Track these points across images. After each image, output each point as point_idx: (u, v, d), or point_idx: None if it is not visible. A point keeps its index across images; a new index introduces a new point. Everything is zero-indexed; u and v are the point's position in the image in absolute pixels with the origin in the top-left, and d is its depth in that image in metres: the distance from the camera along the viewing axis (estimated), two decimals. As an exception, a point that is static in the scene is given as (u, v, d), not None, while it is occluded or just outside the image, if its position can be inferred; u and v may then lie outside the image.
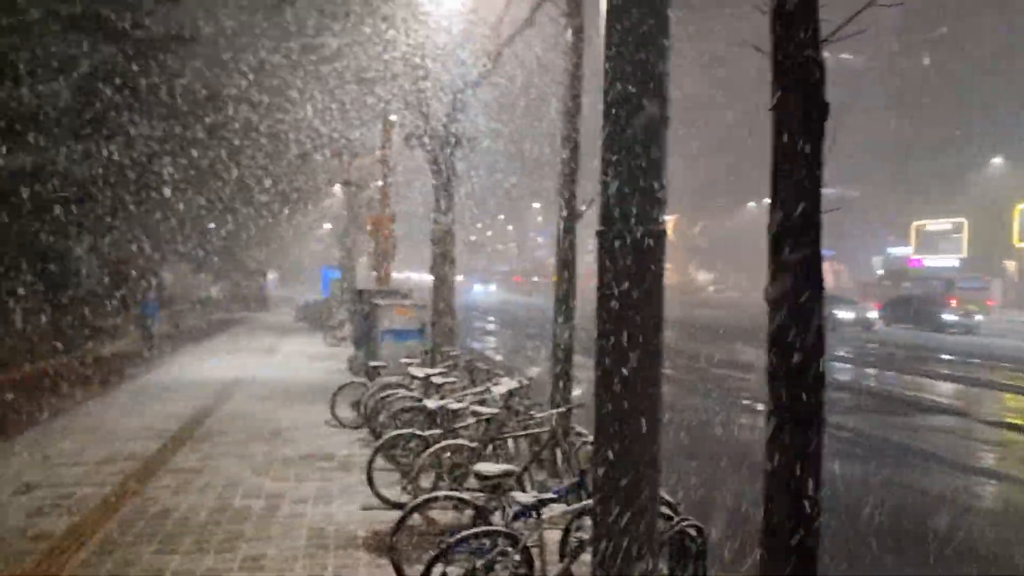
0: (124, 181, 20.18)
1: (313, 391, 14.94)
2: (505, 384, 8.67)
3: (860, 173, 60.28)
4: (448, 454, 7.32)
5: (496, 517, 5.70)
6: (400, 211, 24.68)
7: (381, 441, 7.98)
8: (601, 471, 4.21)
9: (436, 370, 10.15)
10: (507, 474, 5.53)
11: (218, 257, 35.32)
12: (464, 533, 4.93)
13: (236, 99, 21.96)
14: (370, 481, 7.73)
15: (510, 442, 7.94)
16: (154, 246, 25.79)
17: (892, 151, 55.64)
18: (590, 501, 5.21)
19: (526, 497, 4.96)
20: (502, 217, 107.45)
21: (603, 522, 4.25)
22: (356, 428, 11.39)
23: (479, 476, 5.46)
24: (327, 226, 49.53)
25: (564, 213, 8.39)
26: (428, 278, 20.20)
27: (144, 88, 17.96)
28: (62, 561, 6.06)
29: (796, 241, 2.84)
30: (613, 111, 4.19)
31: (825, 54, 2.88)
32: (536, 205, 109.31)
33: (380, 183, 23.01)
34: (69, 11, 14.69)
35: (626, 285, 4.18)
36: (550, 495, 5.06)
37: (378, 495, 7.73)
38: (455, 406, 8.17)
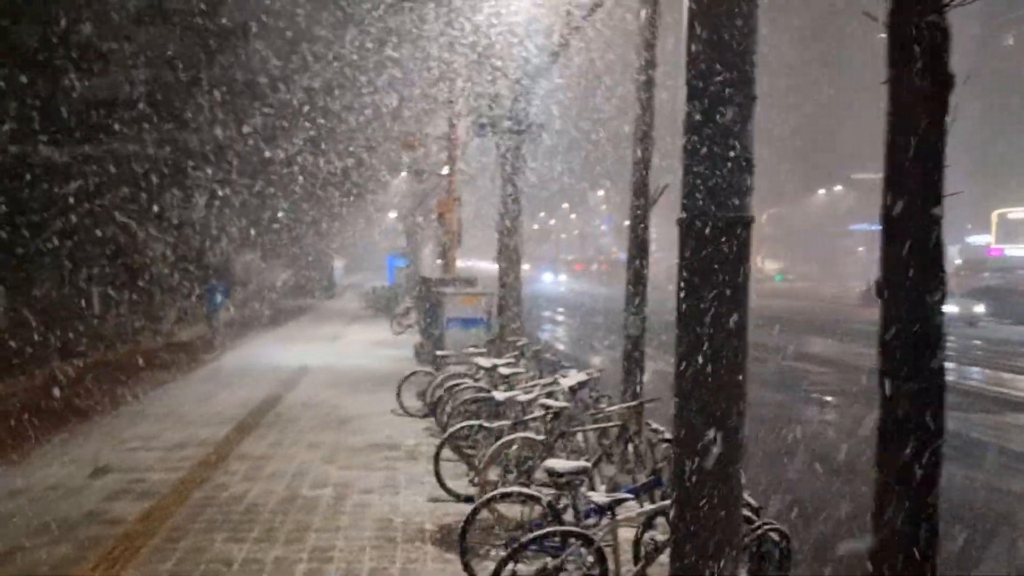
0: (197, 170, 20.57)
1: (379, 379, 14.97)
2: (574, 376, 8.48)
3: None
4: (516, 447, 7.15)
5: (567, 515, 5.51)
6: (465, 199, 24.65)
7: (448, 433, 7.86)
8: (680, 470, 3.99)
9: (502, 360, 9.99)
10: (579, 471, 5.33)
11: (287, 245, 35.87)
12: (536, 533, 4.76)
13: (304, 88, 22.19)
14: (437, 473, 7.62)
15: (579, 436, 7.73)
16: (225, 235, 26.33)
17: (972, 134, 53.45)
18: (667, 502, 4.99)
19: (601, 496, 4.75)
20: (566, 205, 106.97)
21: (681, 524, 4.03)
22: (422, 417, 11.34)
23: (551, 473, 5.27)
24: (392, 214, 49.93)
25: (636, 200, 8.12)
26: (493, 266, 20.09)
27: (214, 78, 18.23)
28: (135, 547, 6.09)
29: (914, 228, 2.56)
30: (697, 91, 3.94)
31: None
32: (599, 193, 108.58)
33: (446, 171, 22.97)
34: (140, 3, 14.94)
35: (710, 276, 3.95)
36: (625, 495, 4.85)
37: (445, 487, 7.62)
38: (523, 398, 8.00)
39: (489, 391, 9.36)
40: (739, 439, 3.98)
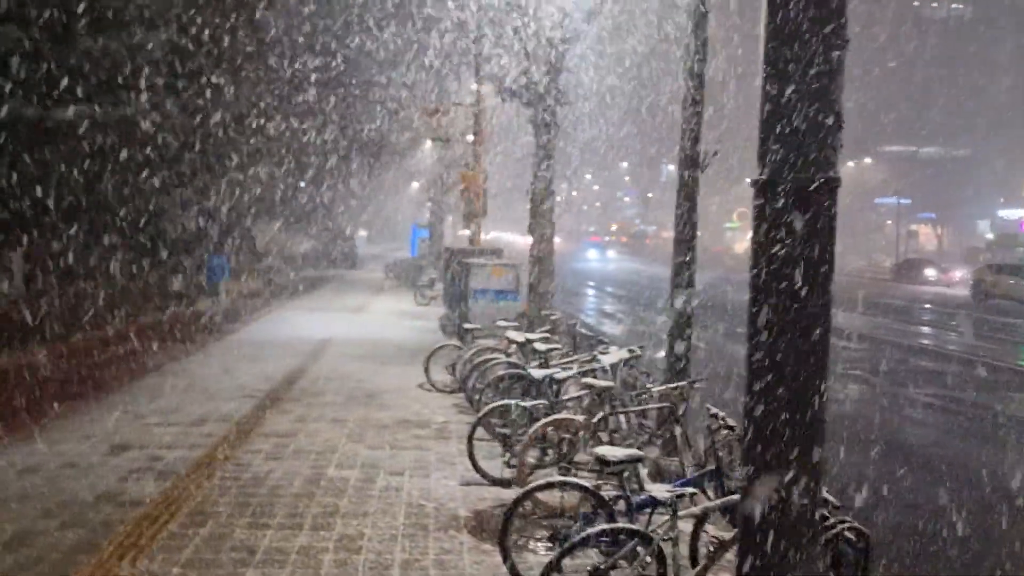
0: (216, 139, 20.14)
1: (405, 352, 14.58)
2: (614, 353, 8.00)
3: (967, 131, 56.55)
4: (555, 429, 6.70)
5: (617, 505, 5.05)
6: (489, 170, 24.08)
7: (482, 413, 7.41)
8: (751, 461, 3.50)
9: (536, 335, 9.52)
10: (633, 460, 4.86)
11: (308, 215, 35.51)
12: (591, 531, 4.30)
13: (325, 52, 21.64)
14: (471, 455, 7.19)
15: (621, 418, 7.26)
16: (245, 204, 25.95)
17: (1005, 107, 51.87)
18: (734, 496, 4.52)
19: (661, 490, 4.28)
20: (588, 176, 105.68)
21: (751, 521, 3.55)
22: (451, 393, 10.93)
23: (601, 461, 4.81)
24: (416, 184, 49.42)
25: (684, 169, 7.57)
26: (518, 239, 19.55)
27: (234, 44, 17.74)
28: (152, 532, 5.71)
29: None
30: (779, 33, 3.39)
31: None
32: (624, 164, 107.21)
33: (471, 139, 22.41)
34: None
35: (789, 245, 3.42)
36: (688, 488, 4.36)
37: (479, 470, 7.19)
38: (562, 375, 7.55)
39: (522, 367, 8.92)
40: (820, 425, 3.48)
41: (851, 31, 3.47)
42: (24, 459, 7.33)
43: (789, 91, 3.38)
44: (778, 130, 3.42)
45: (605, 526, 4.46)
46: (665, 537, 4.31)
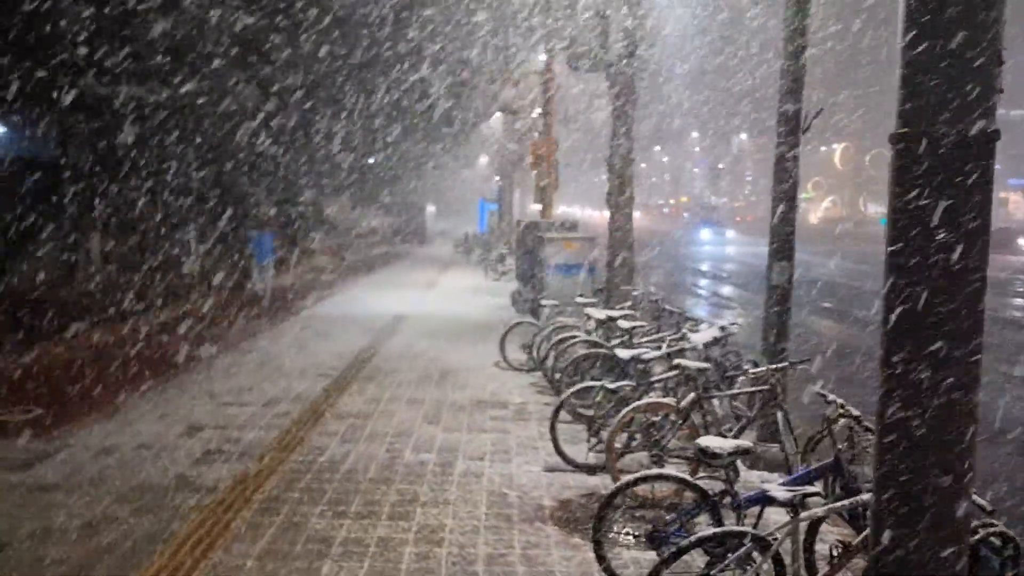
0: (289, 116, 20.04)
1: (478, 328, 14.27)
2: (706, 331, 7.48)
3: None
4: (644, 412, 6.24)
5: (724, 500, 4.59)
6: (560, 141, 23.49)
7: (564, 395, 6.98)
8: (886, 456, 3.01)
9: (619, 312, 9.03)
10: (742, 452, 4.39)
11: (378, 190, 35.47)
12: (701, 535, 3.85)
13: (394, 22, 21.28)
14: (554, 440, 6.80)
15: (715, 401, 6.75)
16: (316, 180, 25.92)
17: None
18: (863, 496, 4.01)
19: (782, 491, 3.79)
20: (658, 148, 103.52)
21: (886, 523, 3.06)
22: (528, 372, 10.55)
23: (706, 454, 4.34)
24: (483, 158, 49.05)
25: (783, 128, 6.95)
26: (592, 213, 18.97)
27: (303, 17, 17.51)
28: (225, 520, 5.48)
29: None
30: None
31: None
32: (695, 134, 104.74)
33: (538, 112, 21.86)
34: None
35: (937, 205, 2.87)
36: (810, 487, 3.86)
37: (562, 455, 6.80)
38: (649, 355, 7.06)
39: (604, 346, 8.48)
40: (971, 413, 2.96)
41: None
42: (100, 440, 7.22)
43: (938, 30, 2.83)
44: (923, 75, 2.88)
45: (717, 529, 3.99)
46: (783, 542, 3.83)
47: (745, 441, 4.50)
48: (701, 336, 7.32)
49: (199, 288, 16.00)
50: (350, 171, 29.15)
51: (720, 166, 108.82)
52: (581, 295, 11.22)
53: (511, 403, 8.96)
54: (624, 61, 10.79)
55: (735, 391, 6.32)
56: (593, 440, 6.86)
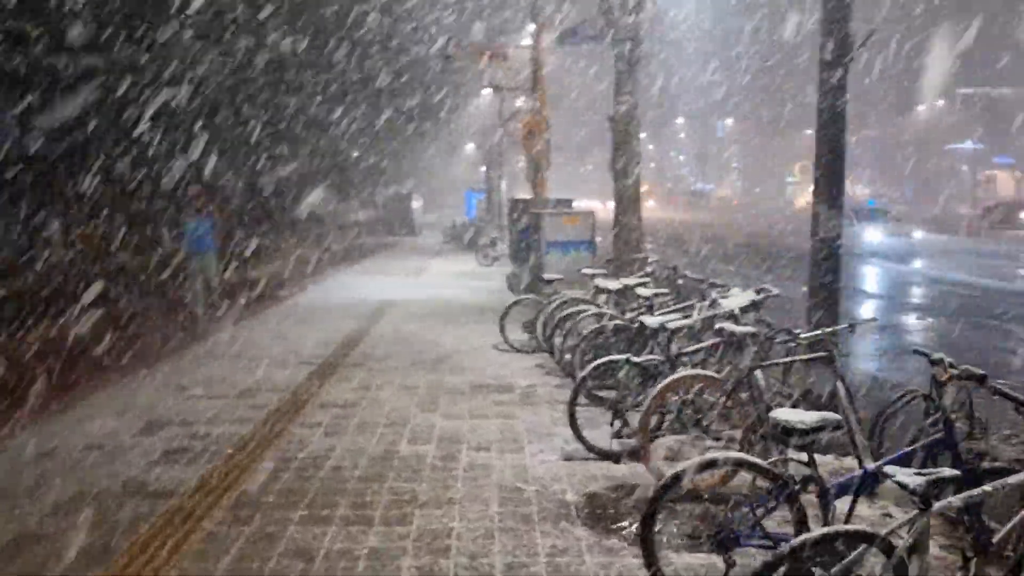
0: (273, 106, 18.93)
1: (472, 311, 13.31)
2: (740, 295, 6.52)
3: None
4: (684, 389, 5.29)
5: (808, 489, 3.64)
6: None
7: (584, 372, 6.00)
8: None
9: (635, 279, 8.07)
10: (829, 426, 3.45)
11: (363, 182, 34.39)
12: (808, 536, 2.88)
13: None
14: (573, 423, 5.84)
15: (758, 373, 5.79)
16: (299, 172, 24.79)
17: None
18: (1011, 479, 3.05)
19: (909, 475, 2.83)
20: (643, 135, 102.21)
21: None
22: (531, 352, 9.60)
23: (786, 431, 3.39)
24: (470, 146, 48.04)
25: (830, 56, 5.98)
26: (577, 204, 18.00)
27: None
28: (183, 533, 4.49)
29: None
30: None
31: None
32: (679, 120, 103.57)
33: (531, 87, 20.82)
34: None
35: None
36: (947, 471, 2.89)
37: (584, 441, 5.84)
38: (680, 323, 6.10)
39: (618, 318, 7.53)
40: None
41: None
42: (44, 441, 6.18)
43: None
44: None
45: (828, 530, 3.04)
46: (908, 542, 2.87)
47: (830, 413, 3.54)
48: (735, 300, 6.37)
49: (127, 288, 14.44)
50: (331, 160, 28.09)
51: (707, 150, 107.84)
52: (587, 268, 10.26)
53: (516, 386, 7.99)
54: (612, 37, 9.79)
55: (788, 359, 5.37)
56: (617, 423, 5.91)
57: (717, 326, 5.29)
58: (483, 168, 43.90)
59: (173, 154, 13.19)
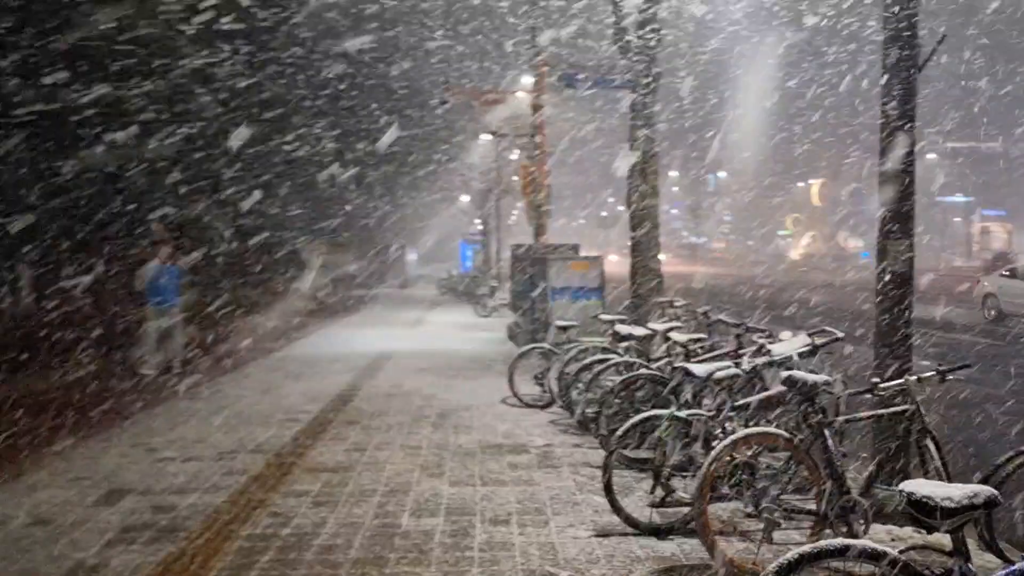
0: (266, 157, 18.31)
1: (475, 362, 12.47)
2: (792, 340, 5.67)
3: None
4: (742, 450, 4.41)
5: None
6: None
7: (623, 430, 5.07)
8: None
9: (662, 325, 7.22)
10: (985, 504, 2.58)
11: (357, 236, 33.76)
12: None
13: (368, 51, 19.72)
14: (610, 492, 4.92)
15: (828, 432, 4.91)
16: (294, 225, 24.08)
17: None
18: None
19: None
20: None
21: None
22: (543, 407, 8.70)
23: (926, 508, 2.53)
24: (464, 198, 47.58)
25: (895, 58, 5.23)
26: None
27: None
28: (133, 636, 3.55)
29: None
30: None
31: None
32: (673, 174, 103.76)
33: (531, 134, 20.26)
34: None
35: None
36: None
37: (621, 513, 4.92)
38: (726, 373, 5.24)
39: (646, 366, 6.69)
40: None
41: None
42: (-19, 515, 5.25)
43: None
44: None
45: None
46: None
47: (984, 487, 2.67)
48: (789, 346, 5.52)
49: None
50: (326, 216, 27.41)
51: (704, 203, 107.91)
52: (602, 313, 9.42)
53: (531, 446, 7.08)
54: (641, 33, 9.14)
55: (870, 413, 4.51)
56: (660, 491, 5.02)
57: (784, 374, 4.43)
58: (477, 220, 43.38)
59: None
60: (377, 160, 25.27)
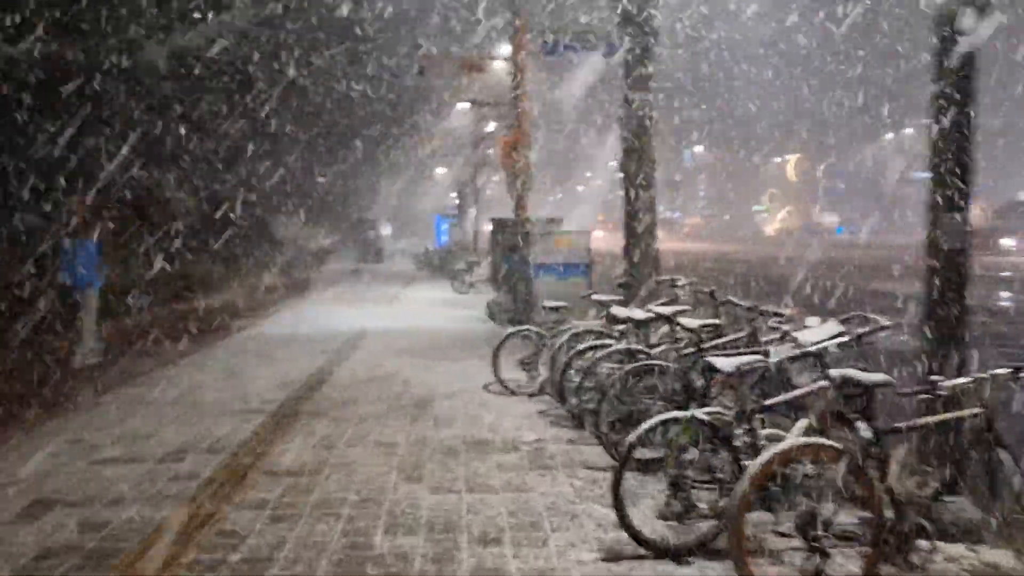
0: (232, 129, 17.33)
1: (454, 343, 11.73)
2: (821, 327, 4.95)
3: (1001, 101, 52.69)
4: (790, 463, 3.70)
5: None
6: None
7: (637, 435, 4.27)
8: None
9: (668, 308, 6.47)
10: None
11: (330, 209, 32.75)
12: None
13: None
14: (620, 508, 4.18)
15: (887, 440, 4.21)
16: (265, 198, 23.07)
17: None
18: None
19: None
20: (612, 163, 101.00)
21: None
22: (531, 395, 7.96)
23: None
24: (440, 170, 46.58)
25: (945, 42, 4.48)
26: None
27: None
28: None
29: None
30: None
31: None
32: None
33: (513, 97, 19.35)
34: None
35: None
36: None
37: (630, 530, 4.20)
38: (750, 366, 4.50)
39: (648, 353, 5.98)
40: None
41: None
42: None
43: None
44: None
45: None
46: None
47: None
48: (819, 333, 4.79)
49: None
50: (297, 186, 26.38)
51: (677, 178, 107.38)
52: (592, 293, 8.68)
53: (521, 442, 6.33)
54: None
55: (936, 419, 3.81)
56: (676, 504, 4.30)
57: (837, 373, 3.71)
58: (453, 194, 42.43)
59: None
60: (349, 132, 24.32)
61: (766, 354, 4.85)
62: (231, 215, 21.16)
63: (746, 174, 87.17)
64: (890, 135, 70.31)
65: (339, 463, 5.75)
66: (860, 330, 4.62)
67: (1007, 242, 38.29)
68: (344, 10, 19.06)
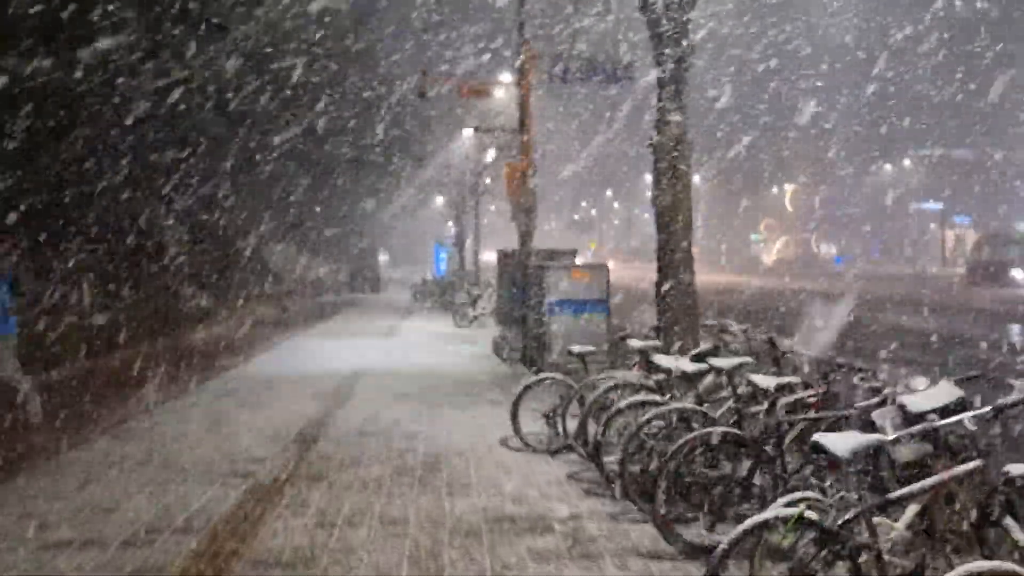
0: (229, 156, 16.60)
1: (460, 384, 10.85)
2: (932, 389, 4.00)
3: (1004, 131, 52.28)
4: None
5: None
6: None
7: (730, 540, 3.32)
8: None
9: (731, 360, 5.50)
10: None
11: (326, 238, 31.89)
12: None
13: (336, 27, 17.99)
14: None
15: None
16: (260, 226, 22.26)
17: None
18: None
19: None
20: (609, 193, 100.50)
21: None
22: (554, 453, 6.98)
23: None
24: (439, 200, 45.75)
25: None
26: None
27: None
28: None
29: None
30: None
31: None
32: (647, 177, 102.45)
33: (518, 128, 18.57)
34: None
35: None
36: None
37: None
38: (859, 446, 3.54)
39: (707, 415, 5.04)
40: None
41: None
42: None
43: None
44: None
45: None
46: None
47: None
48: (934, 397, 3.82)
49: (94, 344, 11.94)
50: (295, 219, 25.54)
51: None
52: (626, 335, 7.72)
53: (554, 519, 5.33)
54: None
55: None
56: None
57: (1014, 470, 2.77)
58: (450, 224, 41.54)
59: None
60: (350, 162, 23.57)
61: (872, 426, 3.91)
62: (226, 248, 20.30)
63: (743, 204, 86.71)
64: (888, 166, 70.02)
65: (338, 548, 4.76)
66: (1004, 400, 3.66)
67: (1018, 273, 37.48)
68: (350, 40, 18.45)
